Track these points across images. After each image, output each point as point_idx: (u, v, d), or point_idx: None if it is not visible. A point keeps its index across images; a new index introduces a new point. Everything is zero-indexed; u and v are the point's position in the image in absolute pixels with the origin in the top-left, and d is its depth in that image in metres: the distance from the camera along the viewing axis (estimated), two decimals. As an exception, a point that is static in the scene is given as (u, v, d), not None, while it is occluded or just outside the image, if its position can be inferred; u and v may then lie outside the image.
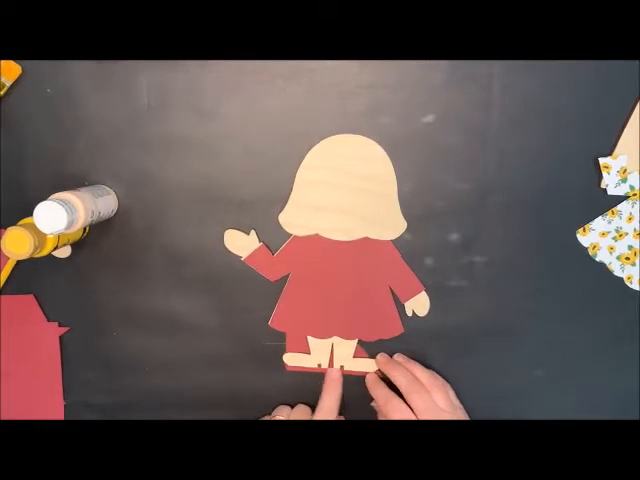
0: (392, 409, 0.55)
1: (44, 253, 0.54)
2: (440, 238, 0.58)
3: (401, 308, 0.60)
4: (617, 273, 0.58)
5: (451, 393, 0.58)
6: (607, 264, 0.58)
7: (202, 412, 0.63)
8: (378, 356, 0.60)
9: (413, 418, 0.54)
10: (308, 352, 0.61)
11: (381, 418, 0.58)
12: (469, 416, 0.57)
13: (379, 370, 0.61)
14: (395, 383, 0.57)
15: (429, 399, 0.55)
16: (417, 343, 0.60)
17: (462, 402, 0.58)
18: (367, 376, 0.60)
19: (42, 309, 0.61)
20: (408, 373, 0.57)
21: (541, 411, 0.61)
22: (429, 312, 0.59)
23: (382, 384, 0.58)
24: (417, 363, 0.59)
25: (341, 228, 0.58)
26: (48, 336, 0.62)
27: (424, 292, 0.59)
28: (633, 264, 0.57)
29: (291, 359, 0.61)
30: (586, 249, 0.57)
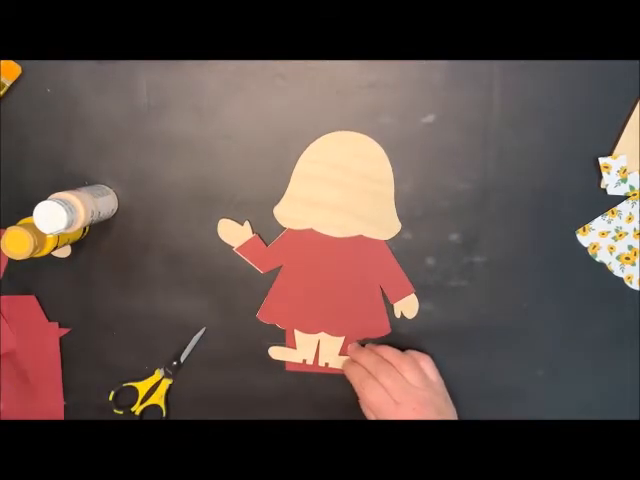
0: (367, 389, 0.55)
1: (44, 253, 0.54)
2: (440, 238, 0.58)
3: (389, 308, 0.60)
4: (617, 273, 0.58)
5: (427, 367, 0.57)
6: (607, 264, 0.58)
7: (202, 412, 0.63)
8: (348, 345, 0.60)
9: (388, 398, 0.53)
10: (294, 347, 0.61)
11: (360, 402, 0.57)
12: (469, 416, 0.57)
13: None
14: (363, 366, 0.57)
15: (398, 377, 0.54)
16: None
17: (462, 402, 0.58)
18: (343, 362, 0.60)
19: (42, 309, 0.62)
20: (374, 355, 0.57)
21: (541, 411, 0.61)
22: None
23: (357, 366, 0.58)
24: (386, 346, 0.58)
25: (335, 224, 0.58)
26: (49, 337, 0.62)
27: (414, 294, 0.59)
28: (633, 264, 0.57)
29: (276, 353, 0.61)
30: (586, 249, 0.58)
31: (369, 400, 0.54)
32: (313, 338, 0.61)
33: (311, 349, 0.61)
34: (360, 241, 0.58)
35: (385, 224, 0.57)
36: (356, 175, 0.56)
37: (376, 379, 0.55)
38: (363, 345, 0.61)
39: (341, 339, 0.61)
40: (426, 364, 0.57)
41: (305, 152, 0.56)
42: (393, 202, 0.57)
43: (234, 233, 0.58)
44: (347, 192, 0.57)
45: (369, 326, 0.60)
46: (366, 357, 0.57)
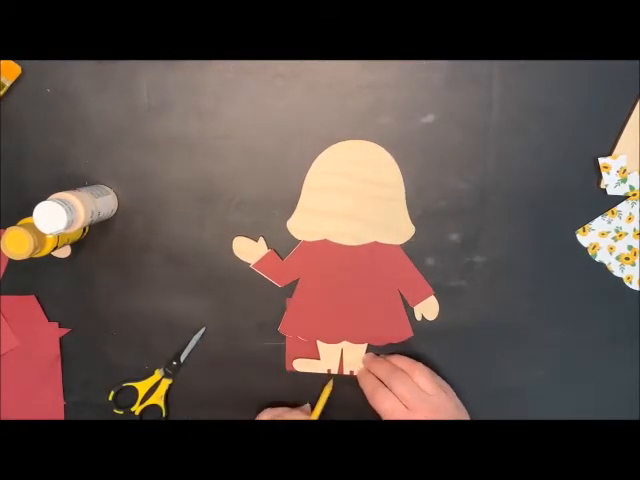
0: (379, 399, 0.55)
1: (44, 253, 0.54)
2: (440, 238, 0.58)
3: (410, 312, 0.60)
4: (617, 273, 0.58)
5: (436, 375, 0.57)
6: (607, 264, 0.58)
7: (202, 412, 0.63)
8: (364, 356, 0.60)
9: (400, 406, 0.54)
10: (318, 357, 0.61)
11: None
12: (469, 416, 0.57)
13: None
14: (377, 375, 0.57)
15: (411, 384, 0.55)
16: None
17: (462, 402, 0.58)
18: (357, 370, 0.61)
19: (42, 309, 0.61)
20: (387, 363, 0.58)
21: (541, 411, 0.61)
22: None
23: (370, 375, 0.58)
24: (398, 355, 0.59)
25: (349, 233, 0.58)
26: (49, 337, 0.62)
27: (433, 296, 0.59)
28: (633, 264, 0.57)
29: (301, 365, 0.61)
30: (586, 249, 0.58)
31: (380, 409, 0.55)
32: (336, 348, 0.61)
33: (335, 359, 0.61)
34: (375, 248, 0.58)
35: (398, 229, 0.57)
36: (365, 182, 0.56)
37: (387, 388, 0.55)
38: (378, 355, 0.61)
39: (364, 346, 0.61)
40: (434, 372, 0.57)
41: (313, 164, 0.56)
42: (405, 206, 0.57)
43: (249, 250, 0.58)
44: (358, 200, 0.57)
45: (390, 331, 0.60)
46: (380, 366, 0.58)
